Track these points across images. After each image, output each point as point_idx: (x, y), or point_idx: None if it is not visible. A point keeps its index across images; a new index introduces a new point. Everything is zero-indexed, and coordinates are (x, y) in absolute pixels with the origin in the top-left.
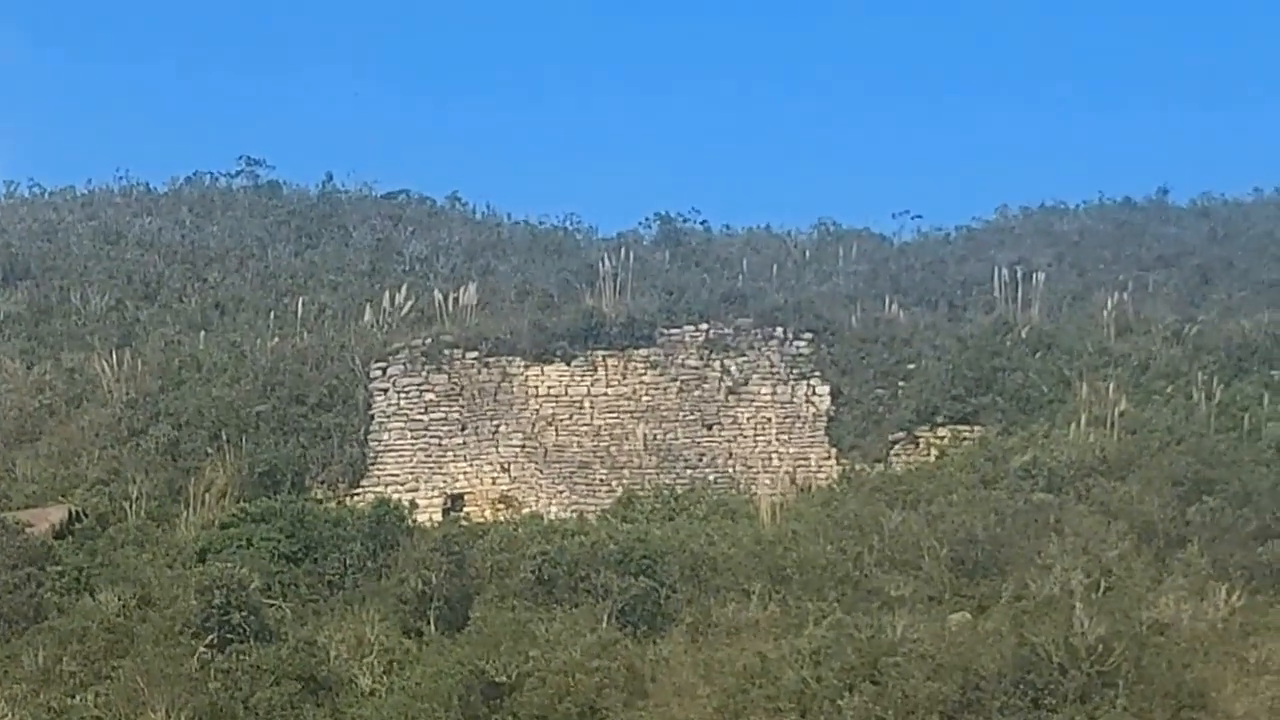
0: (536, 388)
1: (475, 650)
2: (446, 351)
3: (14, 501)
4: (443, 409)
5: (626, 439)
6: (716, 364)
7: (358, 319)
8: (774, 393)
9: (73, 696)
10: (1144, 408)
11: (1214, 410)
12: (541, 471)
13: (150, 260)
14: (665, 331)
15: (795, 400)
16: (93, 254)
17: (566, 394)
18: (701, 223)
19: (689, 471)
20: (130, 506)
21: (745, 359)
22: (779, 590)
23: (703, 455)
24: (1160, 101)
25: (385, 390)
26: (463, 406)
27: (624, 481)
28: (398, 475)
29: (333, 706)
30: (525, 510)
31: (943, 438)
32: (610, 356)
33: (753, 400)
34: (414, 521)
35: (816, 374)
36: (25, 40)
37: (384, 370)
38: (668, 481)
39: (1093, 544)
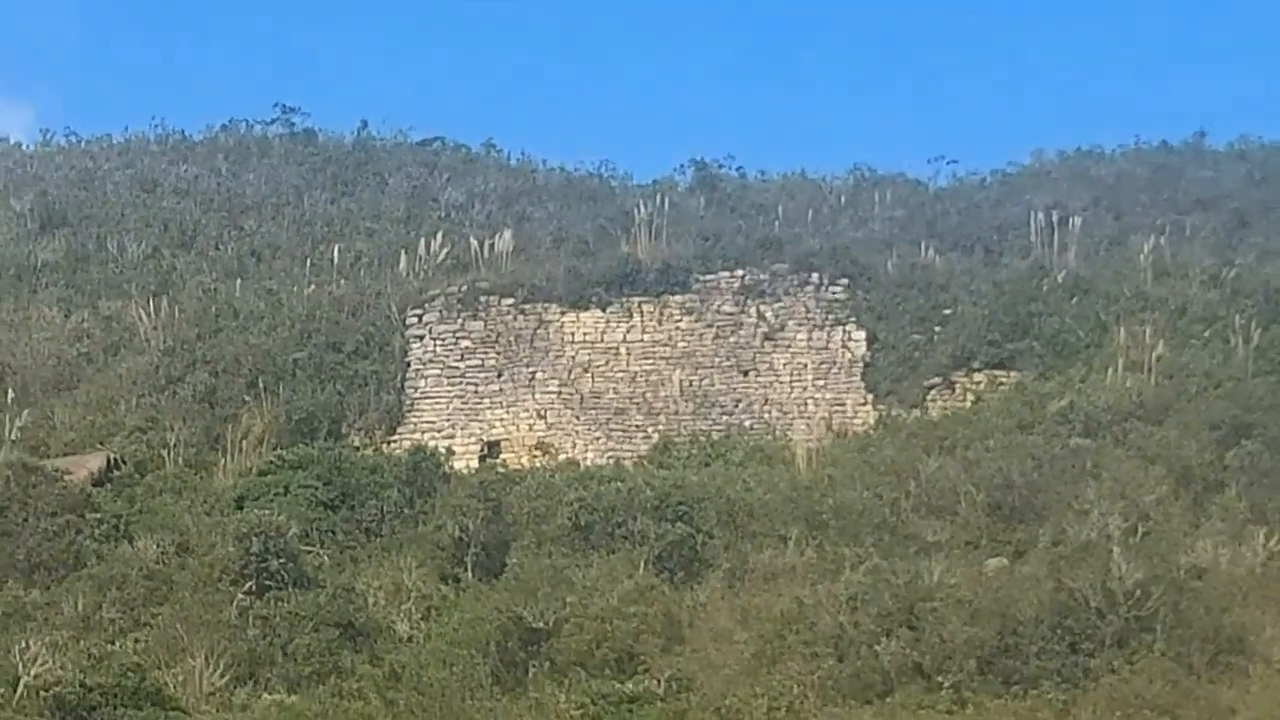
0: (572, 334)
1: (512, 596)
2: (482, 298)
3: (52, 449)
4: (479, 356)
5: (662, 385)
6: (752, 310)
7: (394, 266)
8: (810, 338)
9: (113, 643)
10: (1181, 352)
11: (1252, 354)
12: (578, 418)
13: (187, 208)
14: (701, 277)
15: (831, 346)
16: (129, 202)
17: (602, 340)
18: (737, 169)
19: (725, 417)
20: (168, 454)
21: (781, 305)
22: (815, 536)
23: (739, 401)
24: (1197, 44)
25: (421, 337)
26: (499, 353)
27: (660, 428)
28: (434, 422)
29: (371, 652)
30: (562, 457)
31: (979, 383)
32: (646, 303)
33: (789, 346)
34: (451, 468)
35: (852, 319)
36: None
37: (420, 317)
38: (704, 427)
39: (1130, 489)
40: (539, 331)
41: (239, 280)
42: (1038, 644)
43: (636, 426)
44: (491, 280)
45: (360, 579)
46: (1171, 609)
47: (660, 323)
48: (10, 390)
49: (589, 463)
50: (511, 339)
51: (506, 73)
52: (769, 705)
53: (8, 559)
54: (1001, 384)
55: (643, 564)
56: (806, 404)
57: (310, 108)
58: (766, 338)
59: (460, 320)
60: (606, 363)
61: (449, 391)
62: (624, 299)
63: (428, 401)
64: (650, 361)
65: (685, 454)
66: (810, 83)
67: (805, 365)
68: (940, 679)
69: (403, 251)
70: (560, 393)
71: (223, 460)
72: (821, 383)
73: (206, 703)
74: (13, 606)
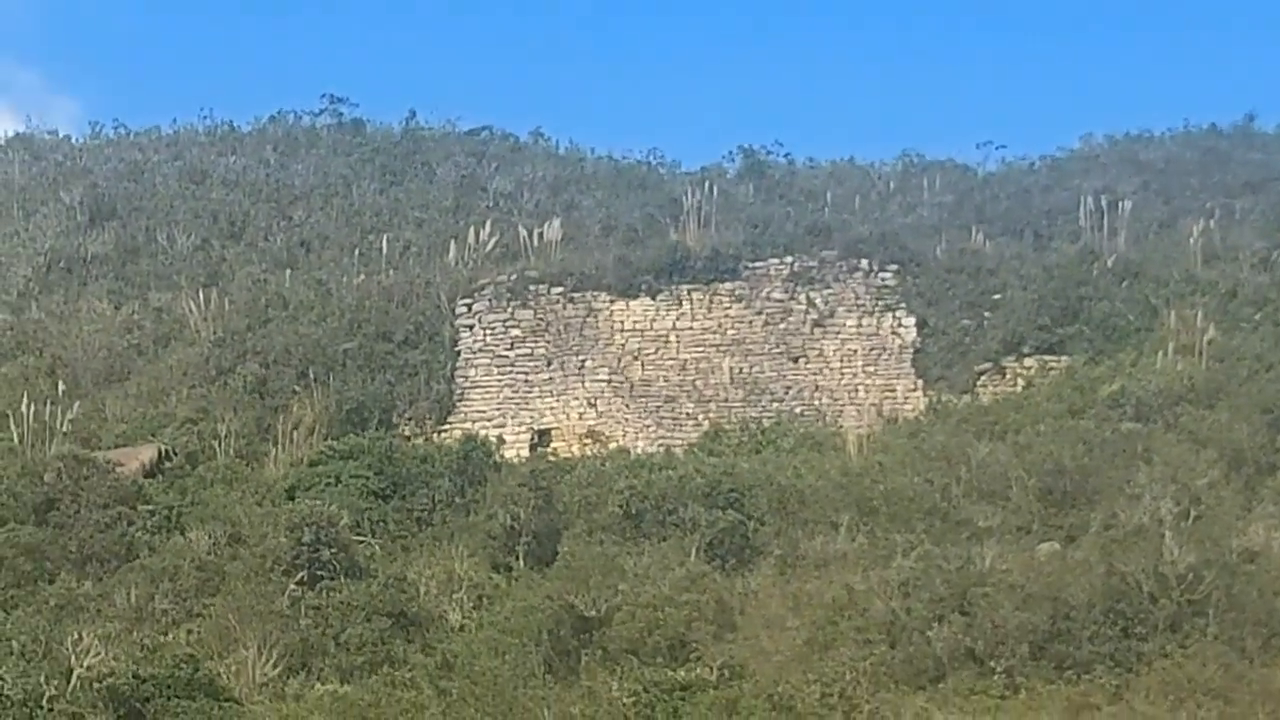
0: (622, 322)
1: (564, 585)
2: (532, 287)
3: (104, 441)
4: (528, 344)
5: (712, 373)
6: (802, 296)
7: (443, 255)
8: (859, 325)
9: (165, 634)
10: (1232, 335)
11: None
12: (628, 406)
13: (235, 199)
14: (750, 265)
15: (881, 332)
16: (178, 194)
17: (652, 328)
18: (785, 155)
19: (775, 404)
20: (219, 445)
21: (830, 291)
22: (867, 522)
23: (789, 388)
24: (1247, 26)
25: (471, 326)
26: (548, 342)
27: (710, 415)
28: (484, 411)
29: (423, 641)
30: (612, 445)
31: (1029, 368)
32: (695, 290)
33: (838, 332)
34: (501, 457)
35: (902, 305)
36: None
37: (470, 306)
38: (754, 415)
39: (1182, 472)
40: (588, 320)
41: (288, 271)
42: (1090, 629)
43: (687, 414)
44: (541, 269)
45: (412, 568)
46: (1224, 593)
47: (710, 310)
48: (61, 382)
49: (639, 451)
50: (561, 327)
51: (554, 61)
52: (821, 692)
53: (60, 551)
54: (1052, 369)
55: (694, 551)
56: (857, 390)
57: (358, 98)
58: (816, 324)
59: (510, 309)
60: (656, 351)
61: (499, 380)
62: (673, 287)
63: (478, 391)
64: (700, 349)
65: (736, 441)
66: (858, 69)
67: (855, 351)
68: (992, 664)
69: (452, 241)
70: (610, 381)
71: (274, 451)
72: (871, 369)
73: (259, 693)
74: (65, 598)
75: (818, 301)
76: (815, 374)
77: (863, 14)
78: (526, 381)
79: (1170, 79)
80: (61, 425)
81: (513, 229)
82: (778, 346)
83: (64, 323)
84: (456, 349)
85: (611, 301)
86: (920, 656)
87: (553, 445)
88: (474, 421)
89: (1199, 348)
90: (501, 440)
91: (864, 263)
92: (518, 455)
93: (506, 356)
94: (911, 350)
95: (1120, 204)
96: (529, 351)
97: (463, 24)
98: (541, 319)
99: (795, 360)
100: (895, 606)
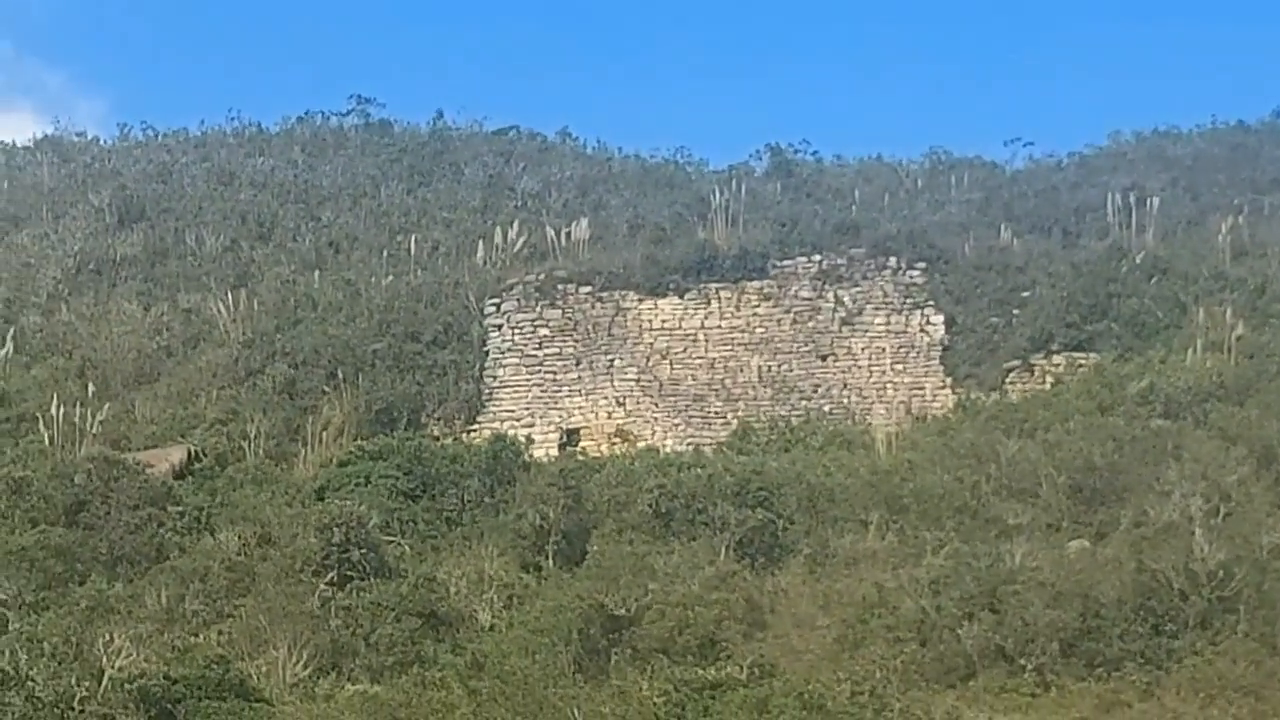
0: (650, 321)
1: (594, 584)
2: (560, 286)
3: (134, 442)
4: (557, 344)
5: (741, 371)
6: (830, 295)
7: (471, 255)
8: (888, 322)
9: (196, 635)
10: (1261, 331)
11: None
12: (656, 405)
13: (264, 200)
14: (778, 263)
15: (909, 330)
16: (207, 195)
17: (680, 327)
18: (813, 153)
19: (804, 403)
20: (249, 446)
21: (859, 289)
22: (896, 520)
23: (817, 386)
24: (1275, 22)
25: (500, 326)
26: (577, 341)
27: (739, 414)
28: (513, 411)
29: (453, 641)
30: (641, 444)
31: (1058, 365)
32: (723, 289)
33: (867, 330)
34: (530, 457)
35: (930, 303)
36: None
37: (498, 306)
38: (783, 413)
39: (1212, 469)
40: (617, 319)
41: (317, 272)
42: (1120, 626)
43: (715, 413)
44: (569, 268)
45: (442, 568)
46: (1254, 590)
47: (738, 309)
48: (91, 384)
49: (668, 449)
50: (590, 327)
51: (581, 61)
52: (852, 690)
53: (91, 552)
54: (1081, 366)
55: (724, 550)
56: (885, 388)
57: (386, 99)
58: (844, 322)
59: (538, 309)
60: (685, 349)
61: (528, 380)
62: (701, 285)
63: (506, 390)
64: (728, 347)
65: (764, 440)
66: (886, 67)
67: (884, 349)
68: (1023, 662)
69: (480, 241)
70: (639, 380)
71: (303, 451)
72: (900, 367)
73: (290, 694)
74: (96, 600)
75: (846, 300)
76: (844, 372)
77: (890, 12)
78: (555, 381)
79: (1198, 75)
80: (91, 427)
81: (540, 229)
82: (806, 345)
83: (94, 324)
84: (485, 349)
85: (640, 300)
86: (951, 654)
87: (581, 444)
88: (503, 421)
89: (1228, 344)
90: (530, 440)
91: (892, 260)
92: (547, 454)
93: (535, 356)
94: (940, 348)
95: (1149, 201)
96: (557, 351)
97: (490, 25)
98: (570, 318)
99: (824, 358)
100: (925, 604)
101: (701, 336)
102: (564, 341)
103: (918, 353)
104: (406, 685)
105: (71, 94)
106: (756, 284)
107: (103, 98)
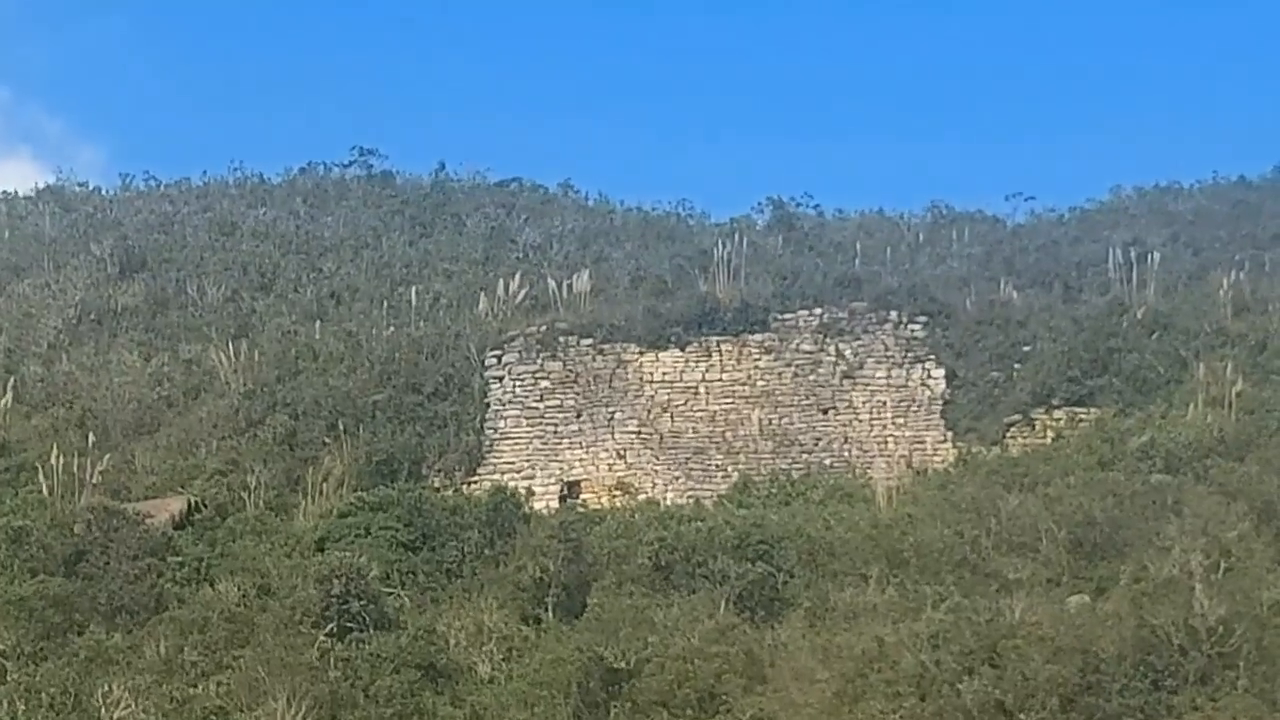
0: (651, 374)
1: (594, 637)
2: (561, 339)
3: (134, 493)
4: (558, 396)
5: (742, 424)
6: (831, 348)
7: (472, 307)
8: (889, 376)
9: (194, 686)
10: (1262, 387)
11: None
12: (657, 457)
13: (265, 251)
14: (779, 316)
15: (910, 384)
16: (208, 245)
17: (681, 380)
18: (814, 207)
19: (805, 456)
20: (249, 496)
21: (860, 343)
22: (896, 574)
23: (818, 440)
24: (1276, 78)
25: (501, 378)
26: (578, 393)
27: (740, 467)
28: (514, 463)
29: (453, 694)
30: (641, 496)
31: (1059, 420)
32: (725, 342)
33: (868, 384)
34: (531, 509)
35: (931, 357)
36: (138, 33)
37: (499, 358)
38: (783, 466)
39: (1212, 525)
40: (618, 371)
41: (318, 322)
42: (1120, 681)
43: (716, 466)
44: (570, 320)
45: (441, 620)
46: (1255, 645)
47: (739, 362)
48: (91, 434)
49: (669, 502)
50: (590, 379)
51: (583, 113)
52: None
53: (90, 603)
54: (1081, 421)
55: (724, 603)
56: (886, 442)
57: (388, 150)
58: (845, 376)
59: (539, 361)
60: (685, 402)
61: (528, 432)
62: (703, 338)
63: (507, 442)
64: (729, 400)
65: (765, 493)
66: (886, 121)
67: (885, 403)
68: (1022, 717)
69: (481, 292)
70: (639, 432)
71: (303, 502)
72: (901, 421)
73: None
74: (95, 650)
75: (847, 353)
76: (845, 425)
77: (890, 68)
78: (556, 433)
79: (1199, 131)
80: (91, 477)
81: (542, 281)
82: (807, 398)
83: (94, 375)
84: (486, 400)
85: (641, 353)
86: (950, 709)
87: (582, 497)
88: (503, 473)
89: (1228, 400)
90: (531, 492)
91: (893, 314)
92: (547, 507)
93: (536, 408)
94: (941, 402)
95: (1149, 256)
96: (558, 403)
97: (491, 76)
98: (571, 370)
99: (825, 412)
100: (925, 659)
101: (702, 389)
102: (565, 394)
103: (918, 406)
104: None
105: (71, 141)
106: (758, 337)
107: (103, 145)
